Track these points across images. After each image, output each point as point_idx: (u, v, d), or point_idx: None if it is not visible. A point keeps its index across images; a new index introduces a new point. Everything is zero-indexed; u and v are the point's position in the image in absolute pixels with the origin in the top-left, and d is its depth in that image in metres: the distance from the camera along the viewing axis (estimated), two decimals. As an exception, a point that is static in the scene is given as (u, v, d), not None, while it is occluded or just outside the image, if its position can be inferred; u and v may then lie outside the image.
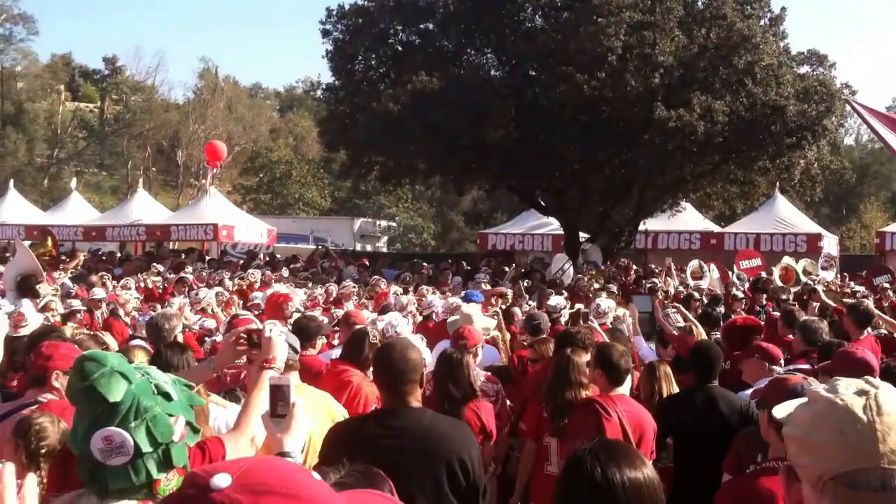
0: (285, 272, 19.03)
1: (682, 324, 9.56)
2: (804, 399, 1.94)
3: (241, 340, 3.42)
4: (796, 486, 1.85)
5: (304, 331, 6.48)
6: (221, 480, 1.21)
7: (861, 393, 1.81)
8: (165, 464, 2.07)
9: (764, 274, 18.89)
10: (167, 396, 2.12)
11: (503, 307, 11.35)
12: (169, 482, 2.09)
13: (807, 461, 1.83)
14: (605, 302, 10.02)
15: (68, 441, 2.10)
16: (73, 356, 4.42)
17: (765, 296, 14.75)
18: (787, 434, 1.93)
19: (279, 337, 3.24)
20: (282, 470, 1.27)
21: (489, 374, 6.70)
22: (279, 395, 2.91)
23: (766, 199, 28.42)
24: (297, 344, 4.11)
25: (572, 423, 5.33)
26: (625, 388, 6.64)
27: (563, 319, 10.43)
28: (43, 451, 3.66)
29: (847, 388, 1.83)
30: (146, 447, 2.03)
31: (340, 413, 4.62)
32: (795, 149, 22.31)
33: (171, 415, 2.11)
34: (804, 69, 24.58)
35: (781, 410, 2.01)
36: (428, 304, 11.33)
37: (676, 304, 10.98)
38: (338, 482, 1.96)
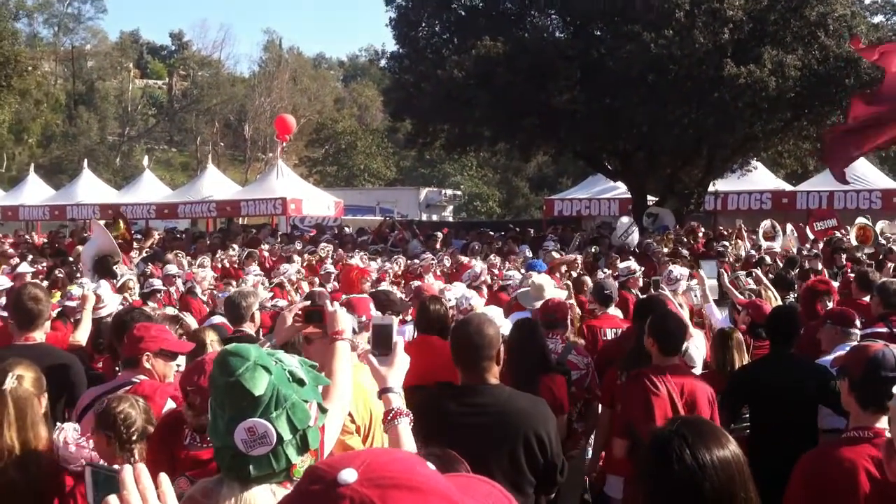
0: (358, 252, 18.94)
1: (753, 287, 9.41)
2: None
3: (298, 317, 3.49)
4: None
5: (379, 305, 6.53)
6: (348, 475, 1.23)
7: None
8: (303, 448, 2.14)
9: (838, 234, 18.47)
10: (301, 382, 2.18)
11: (574, 275, 11.28)
12: (304, 464, 2.16)
13: None
14: (677, 269, 9.90)
15: (208, 432, 2.15)
16: (163, 337, 4.59)
17: (844, 255, 14.36)
18: (891, 406, 1.92)
19: (341, 310, 3.29)
20: (403, 462, 1.28)
21: (580, 346, 6.65)
22: (381, 333, 3.11)
23: (839, 156, 27.68)
24: (356, 326, 4.14)
25: (623, 396, 5.31)
26: (698, 356, 6.62)
27: (638, 284, 10.34)
28: (134, 437, 3.73)
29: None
30: (287, 435, 2.10)
31: None
32: (870, 102, 21.65)
33: (305, 400, 2.17)
34: (878, 18, 23.85)
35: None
36: (506, 276, 11.24)
37: (751, 270, 10.77)
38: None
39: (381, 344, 3.09)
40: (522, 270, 12.01)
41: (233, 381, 2.10)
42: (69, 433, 3.56)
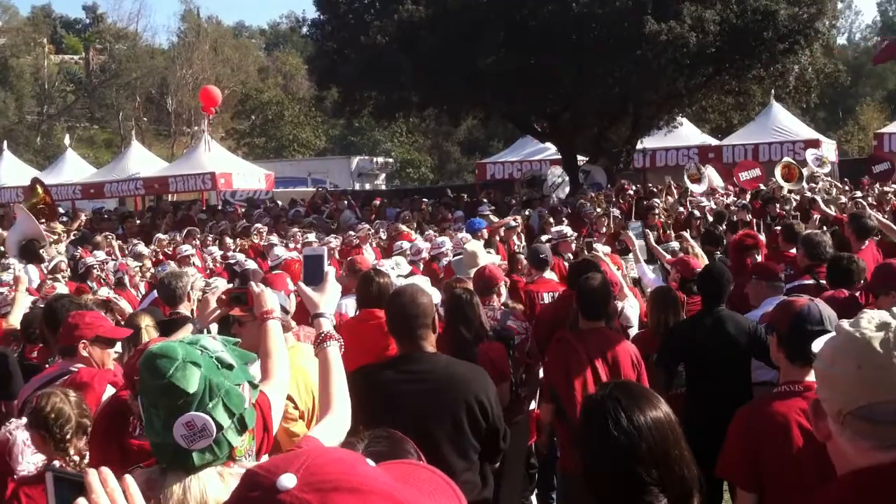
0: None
1: (676, 246, 9.63)
2: (832, 333, 1.98)
3: (222, 300, 3.50)
4: (823, 419, 1.89)
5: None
6: (287, 481, 1.20)
7: (882, 326, 1.82)
8: (242, 429, 2.17)
9: (762, 186, 18.87)
10: (230, 367, 2.19)
11: (517, 240, 11.27)
12: (243, 443, 2.19)
13: (828, 395, 1.86)
14: (563, 227, 9.99)
15: (144, 430, 2.14)
16: (99, 324, 4.55)
17: (777, 206, 14.65)
18: (815, 368, 1.97)
19: (267, 290, 3.30)
20: (343, 462, 1.26)
21: (518, 311, 6.70)
22: (313, 264, 3.24)
23: (761, 109, 28.23)
24: (287, 304, 4.15)
25: (547, 360, 5.42)
26: (633, 315, 6.75)
27: (571, 248, 10.43)
28: (68, 434, 3.68)
29: (869, 322, 1.84)
30: (226, 422, 2.12)
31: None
32: (788, 54, 22.05)
33: (238, 384, 2.18)
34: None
35: (818, 344, 2.04)
36: (438, 244, 11.15)
37: (679, 233, 10.92)
38: (369, 452, 2.03)
39: (314, 274, 3.19)
40: (457, 236, 12.00)
41: (165, 382, 2.09)
42: (18, 438, 3.50)
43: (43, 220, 13.68)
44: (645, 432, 2.29)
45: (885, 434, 1.77)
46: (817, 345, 1.99)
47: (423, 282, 6.77)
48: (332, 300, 3.15)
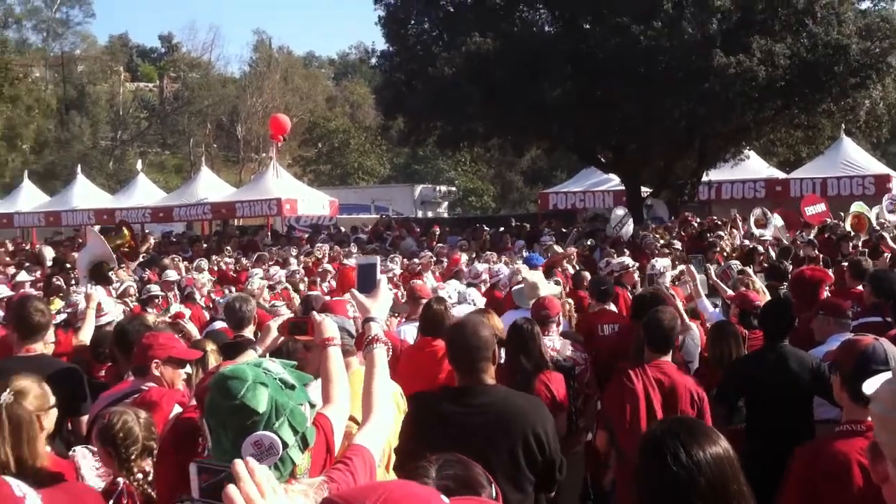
0: (354, 248, 18.82)
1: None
2: (890, 374, 1.97)
3: (283, 329, 3.61)
4: (882, 462, 1.89)
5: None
6: None
7: (943, 370, 1.83)
8: (304, 447, 2.27)
9: (829, 220, 18.51)
10: (292, 387, 2.28)
11: (572, 269, 11.29)
12: (304, 461, 2.29)
13: (887, 439, 1.86)
14: (659, 262, 9.99)
15: (212, 451, 2.22)
16: (171, 345, 4.69)
17: (850, 244, 14.40)
18: (872, 410, 1.96)
19: (327, 318, 3.39)
20: (419, 498, 1.30)
21: (577, 343, 6.71)
22: (365, 272, 3.44)
23: (831, 143, 27.75)
24: (352, 329, 4.23)
25: (605, 389, 5.43)
26: (694, 350, 6.71)
27: (633, 279, 10.38)
28: (133, 455, 3.75)
29: (929, 366, 1.86)
30: (290, 440, 2.22)
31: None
32: (860, 88, 21.72)
33: (300, 403, 2.28)
34: (865, 4, 23.92)
35: (870, 386, 2.04)
36: (495, 272, 11.25)
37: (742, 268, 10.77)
38: (443, 475, 2.10)
39: (366, 282, 3.37)
40: (511, 265, 12.04)
41: (237, 403, 2.19)
42: (82, 463, 3.61)
43: (123, 265, 13.96)
44: (704, 467, 2.31)
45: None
46: (870, 386, 1.99)
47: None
48: (384, 306, 3.31)
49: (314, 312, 3.64)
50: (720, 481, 2.30)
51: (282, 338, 3.81)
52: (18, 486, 1.65)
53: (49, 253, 18.33)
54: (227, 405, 2.20)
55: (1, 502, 1.56)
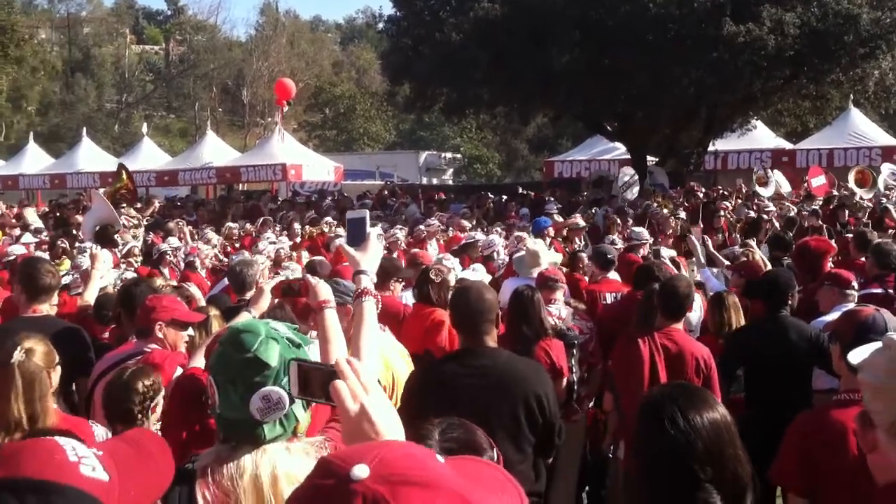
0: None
1: (738, 251, 9.55)
2: (879, 344, 2.00)
3: (276, 291, 3.63)
4: (871, 431, 1.92)
5: (383, 271, 6.65)
6: (360, 471, 1.23)
7: (935, 340, 1.86)
8: (307, 405, 2.28)
9: (835, 192, 18.48)
10: (298, 346, 2.30)
11: (571, 252, 11.22)
12: (305, 418, 2.31)
13: (881, 407, 1.89)
14: (665, 251, 9.94)
15: (220, 408, 2.24)
16: (175, 308, 4.73)
17: (847, 211, 14.41)
18: (862, 380, 1.99)
19: (321, 281, 3.43)
20: (415, 458, 1.29)
21: (582, 311, 6.75)
22: (355, 225, 3.44)
23: (839, 113, 27.61)
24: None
25: (612, 353, 5.50)
26: (694, 318, 6.73)
27: (646, 250, 10.34)
28: (146, 411, 3.84)
29: (921, 334, 1.88)
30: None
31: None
32: (869, 59, 21.56)
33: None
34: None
35: (857, 356, 2.07)
36: (487, 243, 11.01)
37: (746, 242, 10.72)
38: (445, 438, 2.13)
39: (356, 235, 3.38)
40: (514, 234, 11.96)
41: (250, 356, 2.21)
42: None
43: (123, 206, 13.98)
44: (701, 431, 2.36)
45: (937, 446, 1.80)
46: (857, 355, 2.02)
47: (482, 272, 6.92)
48: (374, 259, 3.32)
49: (308, 275, 3.68)
50: (717, 446, 2.35)
51: (276, 300, 3.82)
52: (74, 449, 1.59)
53: (32, 216, 18.28)
54: (240, 358, 2.22)
55: (49, 467, 1.53)
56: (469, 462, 1.45)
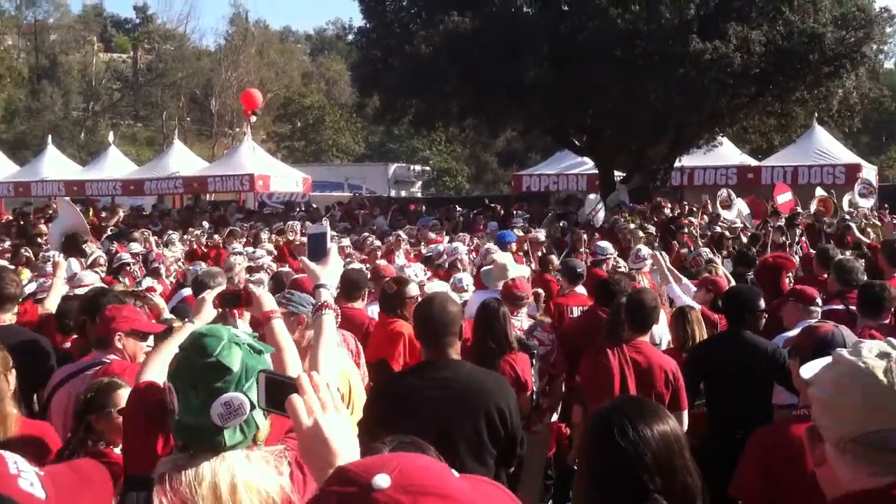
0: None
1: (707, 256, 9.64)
2: (829, 359, 2.01)
3: (216, 301, 3.61)
4: (820, 445, 1.93)
5: (350, 283, 6.67)
6: (382, 481, 1.26)
7: (883, 356, 1.88)
8: (266, 412, 2.24)
9: (800, 209, 18.69)
10: (259, 352, 2.29)
11: (540, 254, 11.30)
12: (265, 426, 2.28)
13: (830, 423, 1.91)
14: (645, 249, 10.08)
15: (180, 415, 2.22)
16: (135, 318, 4.64)
17: (798, 230, 14.59)
18: (812, 395, 2.00)
19: (265, 291, 3.42)
20: (432, 470, 1.33)
21: (545, 323, 6.78)
22: (316, 240, 3.47)
23: (803, 131, 27.97)
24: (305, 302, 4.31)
25: (581, 366, 5.52)
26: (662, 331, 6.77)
27: (610, 264, 10.41)
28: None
29: (870, 352, 1.90)
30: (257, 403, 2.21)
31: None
32: (833, 78, 21.92)
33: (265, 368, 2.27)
34: (842, -7, 24.04)
35: (808, 370, 2.09)
36: (451, 250, 10.99)
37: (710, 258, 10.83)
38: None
39: (316, 250, 3.39)
40: (483, 247, 12.00)
41: (212, 361, 2.19)
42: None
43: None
44: (650, 443, 2.38)
45: (886, 460, 1.82)
46: (809, 370, 2.04)
47: (443, 286, 6.95)
48: (334, 273, 3.32)
49: (250, 284, 3.66)
50: (666, 457, 2.37)
51: (216, 311, 3.76)
52: (15, 463, 1.61)
53: None
54: (202, 363, 2.20)
55: None
56: (480, 481, 1.47)
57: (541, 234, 13.68)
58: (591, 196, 21.62)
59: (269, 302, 3.25)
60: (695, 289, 7.99)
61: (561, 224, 17.37)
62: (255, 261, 11.09)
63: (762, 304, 5.87)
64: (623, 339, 5.38)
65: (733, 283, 7.98)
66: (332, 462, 1.68)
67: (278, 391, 1.83)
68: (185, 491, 2.13)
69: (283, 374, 1.98)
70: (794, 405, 4.17)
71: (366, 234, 15.75)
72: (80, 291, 7.27)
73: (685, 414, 5.15)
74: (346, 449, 1.70)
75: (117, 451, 3.75)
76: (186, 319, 3.65)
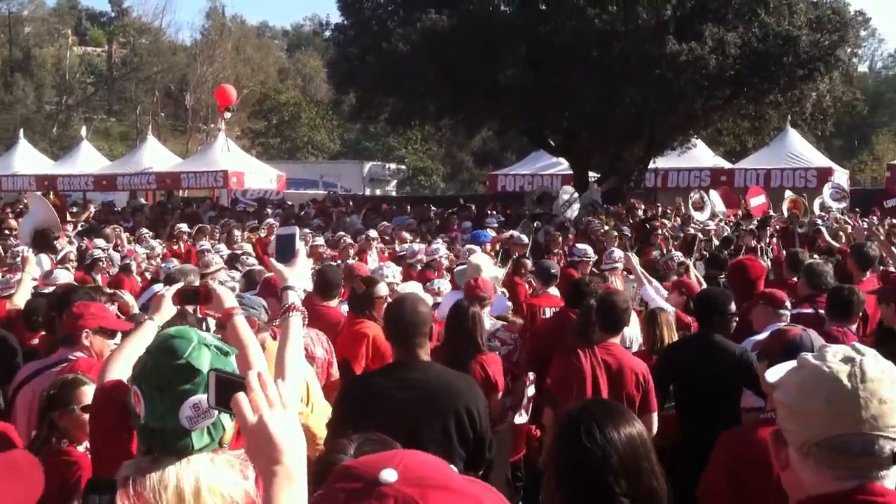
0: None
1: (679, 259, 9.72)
2: (794, 364, 2.02)
3: (174, 298, 3.58)
4: (784, 449, 1.94)
5: (326, 281, 6.65)
6: (389, 475, 1.30)
7: (847, 360, 1.89)
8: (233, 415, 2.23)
9: (772, 212, 18.88)
10: (227, 354, 2.28)
11: (514, 257, 11.31)
12: (231, 429, 2.26)
13: (794, 426, 1.91)
14: (617, 252, 10.13)
15: (146, 417, 2.19)
16: (103, 315, 4.59)
17: (768, 231, 14.74)
18: (777, 399, 2.01)
19: (223, 288, 3.41)
20: (436, 464, 1.37)
21: (507, 322, 6.79)
22: (284, 242, 3.42)
23: (777, 134, 28.21)
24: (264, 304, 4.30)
25: (552, 367, 5.54)
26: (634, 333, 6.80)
27: (588, 267, 10.45)
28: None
29: (834, 356, 1.90)
30: None
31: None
32: (807, 80, 22.13)
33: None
34: (818, -3, 24.28)
35: (774, 374, 2.10)
36: (432, 251, 11.02)
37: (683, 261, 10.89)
38: (360, 452, 2.10)
39: (284, 251, 3.37)
40: (463, 248, 12.02)
41: (182, 363, 2.17)
42: None
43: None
44: (617, 445, 2.41)
45: (849, 464, 1.83)
46: (774, 374, 2.04)
47: (415, 287, 6.95)
48: (301, 275, 3.32)
49: (208, 280, 3.64)
50: (632, 460, 2.41)
51: (175, 308, 3.72)
52: None
53: None
54: (171, 365, 2.18)
55: None
56: (472, 479, 1.50)
57: (524, 237, 13.66)
58: (566, 187, 21.64)
59: (229, 299, 3.22)
60: (665, 292, 8.03)
61: (535, 224, 17.37)
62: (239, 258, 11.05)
63: (733, 307, 5.89)
64: (594, 341, 5.39)
65: (705, 286, 8.02)
66: (277, 459, 1.68)
67: (228, 390, 1.81)
68: (148, 495, 2.12)
69: (233, 373, 1.96)
70: (762, 408, 4.18)
71: (341, 232, 15.68)
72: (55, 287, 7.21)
73: (655, 416, 5.16)
74: (292, 446, 1.69)
75: (80, 448, 3.72)
76: (146, 316, 3.62)
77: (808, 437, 1.87)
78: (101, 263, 10.54)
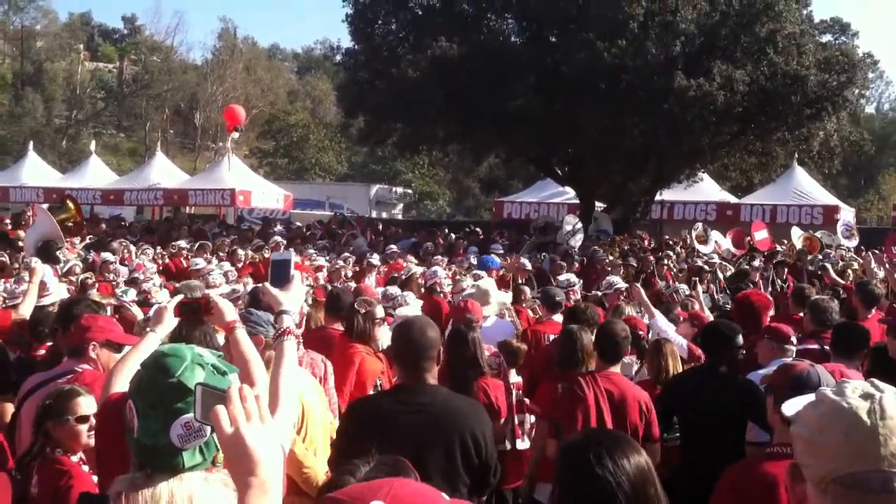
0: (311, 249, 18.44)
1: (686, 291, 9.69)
2: (812, 397, 2.00)
3: (176, 310, 3.58)
4: (801, 484, 1.92)
5: (338, 303, 6.62)
6: None
7: (866, 396, 1.87)
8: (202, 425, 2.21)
9: (779, 247, 18.82)
10: (224, 373, 2.26)
11: (513, 285, 11.31)
12: None
13: (812, 461, 1.89)
14: (614, 279, 10.14)
15: (139, 434, 2.18)
16: (110, 329, 4.59)
17: (786, 270, 14.68)
18: (794, 433, 1.99)
19: (225, 301, 3.41)
20: (425, 495, 1.37)
21: (493, 348, 6.77)
22: (279, 267, 3.44)
23: (783, 171, 28.23)
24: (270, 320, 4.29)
25: (556, 398, 5.51)
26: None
27: (576, 296, 10.44)
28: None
29: (853, 392, 1.89)
30: None
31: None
32: (815, 119, 22.18)
33: None
34: (826, 38, 24.43)
35: (791, 407, 2.08)
36: (430, 274, 11.04)
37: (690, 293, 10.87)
38: (369, 476, 2.09)
39: (280, 276, 3.38)
40: (461, 272, 12.03)
41: (173, 381, 2.16)
42: None
43: (67, 240, 13.68)
44: (628, 473, 2.41)
45: (868, 501, 1.81)
46: (791, 407, 2.03)
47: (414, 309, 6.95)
48: (296, 300, 3.32)
49: (210, 293, 3.63)
50: (642, 487, 2.41)
51: (176, 320, 3.73)
52: None
53: None
54: (164, 383, 2.17)
55: None
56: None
57: (527, 263, 13.66)
58: (570, 217, 21.67)
59: (230, 312, 3.21)
60: (672, 325, 8.02)
61: (541, 256, 17.39)
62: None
63: (740, 339, 5.87)
64: (594, 370, 5.38)
65: (711, 318, 8.01)
66: (252, 471, 1.69)
67: (212, 403, 1.82)
68: None
69: (216, 387, 1.96)
70: (767, 443, 4.16)
71: (346, 254, 15.71)
72: (45, 301, 7.21)
73: (658, 446, 5.13)
74: (267, 459, 1.71)
75: (74, 458, 3.72)
76: (148, 328, 3.62)
77: (825, 473, 1.85)
78: (111, 266, 10.56)
